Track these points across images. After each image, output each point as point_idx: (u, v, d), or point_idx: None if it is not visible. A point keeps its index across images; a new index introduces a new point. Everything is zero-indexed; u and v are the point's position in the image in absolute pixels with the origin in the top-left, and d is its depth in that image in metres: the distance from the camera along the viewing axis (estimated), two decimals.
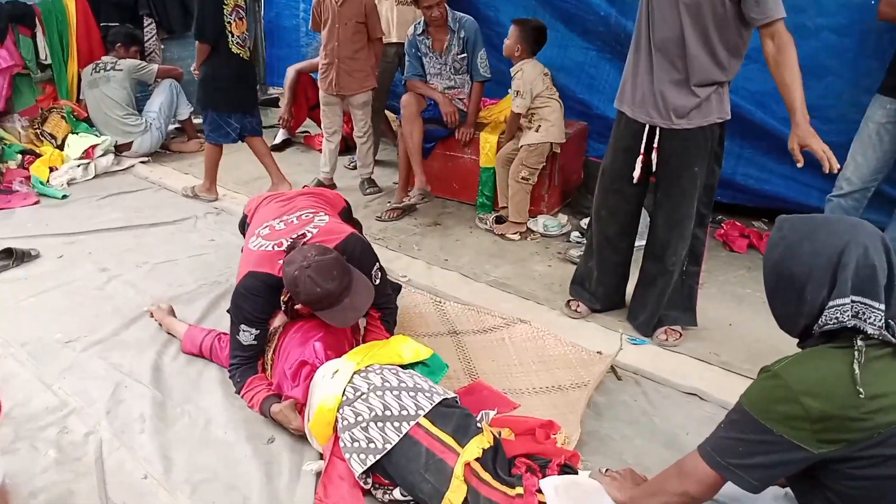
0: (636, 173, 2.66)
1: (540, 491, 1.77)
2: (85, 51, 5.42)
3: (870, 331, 1.37)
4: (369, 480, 1.96)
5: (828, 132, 3.55)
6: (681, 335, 2.82)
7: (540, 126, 3.77)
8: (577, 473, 1.90)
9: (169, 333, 2.86)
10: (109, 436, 2.25)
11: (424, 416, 1.91)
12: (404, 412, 1.93)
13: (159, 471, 2.10)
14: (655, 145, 2.59)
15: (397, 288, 3.09)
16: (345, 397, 2.02)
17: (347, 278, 2.24)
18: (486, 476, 1.80)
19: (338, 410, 2.01)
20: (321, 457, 2.12)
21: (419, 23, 4.14)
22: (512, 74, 3.78)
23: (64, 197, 4.46)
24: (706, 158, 2.58)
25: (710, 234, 3.85)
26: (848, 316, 1.40)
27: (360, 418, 1.95)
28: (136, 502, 1.98)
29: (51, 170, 4.73)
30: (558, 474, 1.87)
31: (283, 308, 2.43)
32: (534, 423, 2.22)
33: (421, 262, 3.60)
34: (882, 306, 1.38)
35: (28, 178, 4.60)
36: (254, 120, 4.38)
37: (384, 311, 2.64)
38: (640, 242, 2.99)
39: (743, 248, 3.76)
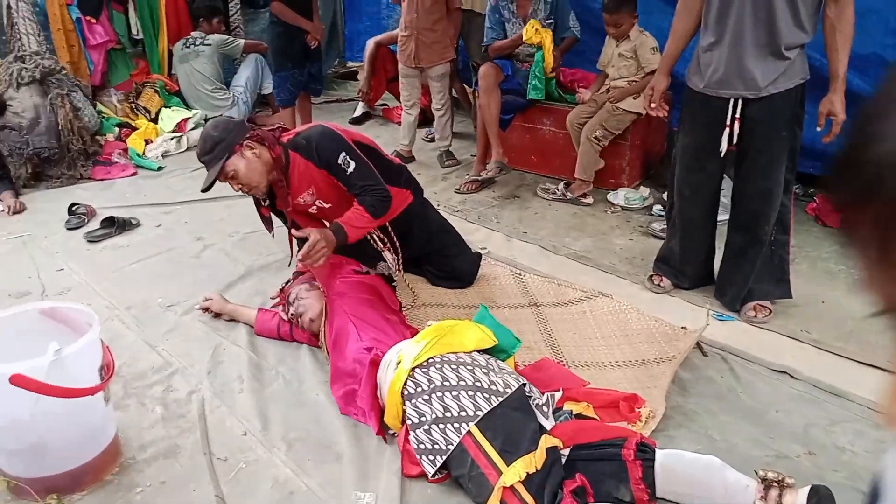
0: (724, 147, 2.60)
1: None
2: (173, 26, 5.62)
3: None
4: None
5: None
6: (770, 311, 2.74)
7: (637, 95, 3.73)
8: (654, 453, 1.87)
9: (232, 320, 2.83)
10: (210, 395, 2.39)
11: (476, 424, 1.89)
12: (463, 413, 1.92)
13: (257, 428, 2.21)
14: (738, 115, 2.54)
15: (477, 255, 3.17)
16: (406, 391, 2.04)
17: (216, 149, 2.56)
18: (528, 498, 1.76)
19: (402, 404, 2.05)
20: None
21: None
22: (631, 38, 3.77)
23: (159, 168, 4.68)
24: (791, 122, 2.53)
25: (801, 207, 3.73)
26: None
27: (422, 419, 1.98)
28: (237, 457, 2.10)
29: (146, 142, 4.96)
30: (635, 454, 1.85)
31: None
32: (617, 396, 2.22)
33: (500, 234, 3.62)
34: None
35: (125, 150, 4.84)
36: (303, 74, 4.63)
37: (362, 196, 2.65)
38: (723, 217, 2.92)
39: (836, 222, 3.59)
